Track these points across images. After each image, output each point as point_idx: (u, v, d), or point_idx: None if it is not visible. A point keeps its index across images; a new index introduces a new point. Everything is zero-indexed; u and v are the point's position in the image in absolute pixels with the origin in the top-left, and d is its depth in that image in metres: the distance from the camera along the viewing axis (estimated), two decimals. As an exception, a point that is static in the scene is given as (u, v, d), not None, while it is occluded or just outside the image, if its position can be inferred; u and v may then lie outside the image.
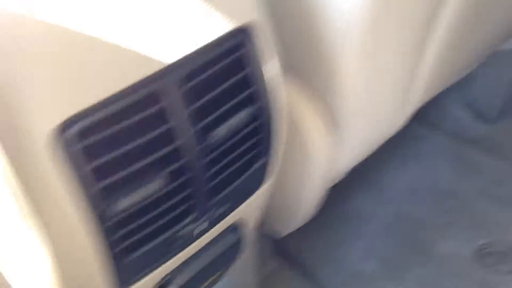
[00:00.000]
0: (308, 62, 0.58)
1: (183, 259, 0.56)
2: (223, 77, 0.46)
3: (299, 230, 1.08)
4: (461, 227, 1.07)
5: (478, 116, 1.29)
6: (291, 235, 1.06)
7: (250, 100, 0.50)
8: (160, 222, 0.48)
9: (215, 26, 0.45)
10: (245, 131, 0.50)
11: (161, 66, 0.42)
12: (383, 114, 0.67)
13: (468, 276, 0.99)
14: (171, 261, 0.54)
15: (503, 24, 0.77)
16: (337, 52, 0.54)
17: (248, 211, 0.59)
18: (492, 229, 1.06)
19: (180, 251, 0.53)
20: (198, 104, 0.45)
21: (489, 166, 1.18)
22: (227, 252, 0.60)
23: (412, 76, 0.64)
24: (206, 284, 0.62)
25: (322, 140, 0.62)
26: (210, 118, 0.46)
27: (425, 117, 1.29)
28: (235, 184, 0.53)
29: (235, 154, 0.51)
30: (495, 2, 0.68)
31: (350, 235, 1.08)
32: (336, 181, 0.76)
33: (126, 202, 0.44)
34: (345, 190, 1.15)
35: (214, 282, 0.64)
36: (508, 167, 1.17)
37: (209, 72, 0.45)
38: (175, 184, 0.46)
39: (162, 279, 0.55)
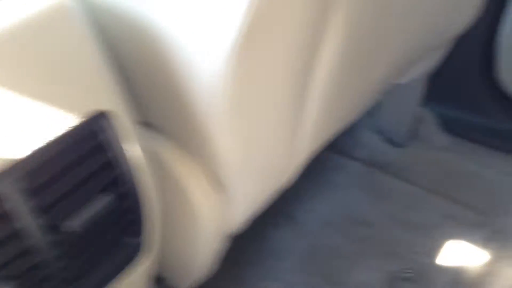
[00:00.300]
0: (182, 127, 0.59)
1: None
2: (80, 164, 0.46)
3: (216, 271, 1.08)
4: (374, 255, 1.10)
5: (387, 142, 1.33)
6: (205, 280, 1.06)
7: (110, 185, 0.49)
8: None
9: (60, 120, 0.45)
10: (102, 217, 0.50)
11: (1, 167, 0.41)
12: (269, 169, 0.68)
13: (381, 304, 1.02)
14: None
15: (388, 71, 0.81)
16: (206, 115, 0.54)
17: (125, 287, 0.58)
18: (403, 255, 1.10)
19: None
20: (46, 200, 0.44)
21: (400, 191, 1.22)
22: None
23: (294, 129, 0.66)
24: None
25: (209, 201, 0.63)
26: (61, 209, 0.45)
27: (337, 145, 1.33)
28: (100, 267, 0.52)
29: (96, 239, 0.50)
30: (374, 53, 0.71)
31: (267, 272, 1.09)
32: (236, 232, 0.76)
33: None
34: (260, 227, 1.16)
35: None
36: (417, 191, 1.22)
37: (59, 165, 0.44)
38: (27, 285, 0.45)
39: None
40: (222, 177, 0.63)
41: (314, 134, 0.70)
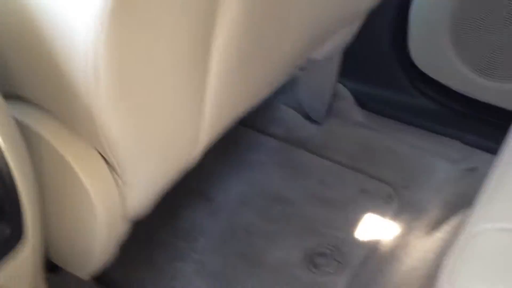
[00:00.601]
0: (62, 103, 0.53)
1: None
2: None
3: (124, 252, 1.03)
4: (290, 233, 1.09)
5: (304, 118, 1.32)
6: (113, 262, 1.01)
7: None
8: None
9: None
10: None
11: None
12: (169, 150, 0.63)
13: (299, 281, 1.01)
14: None
15: (298, 45, 0.78)
16: (86, 90, 0.49)
17: (8, 280, 0.52)
18: (321, 231, 1.09)
19: None
20: None
21: (316, 168, 1.22)
22: None
23: (195, 107, 0.62)
24: None
25: (103, 184, 0.58)
26: None
27: (252, 122, 1.30)
28: None
29: None
30: (279, 25, 0.67)
31: (180, 253, 1.05)
32: (137, 216, 0.72)
33: None
34: (172, 206, 1.12)
35: None
36: (333, 167, 1.22)
37: None
38: None
39: None
40: (114, 159, 0.58)
41: (218, 112, 0.66)
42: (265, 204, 1.14)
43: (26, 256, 0.52)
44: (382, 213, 1.12)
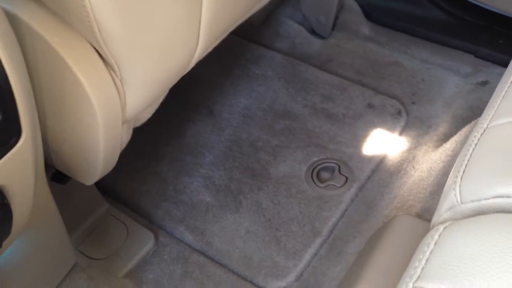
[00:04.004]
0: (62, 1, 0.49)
1: None
2: None
3: (131, 166, 1.02)
4: (296, 147, 1.07)
5: (309, 32, 1.27)
6: (122, 173, 1.00)
7: None
8: None
9: None
10: None
11: None
12: (165, 50, 0.60)
13: (303, 195, 1.00)
14: None
15: None
16: None
17: (8, 176, 0.50)
18: (325, 145, 1.07)
19: None
20: None
21: (322, 82, 1.18)
22: None
23: (189, 8, 0.58)
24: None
25: (99, 81, 0.55)
26: None
27: (257, 36, 1.25)
28: None
29: None
30: None
31: (186, 167, 1.03)
32: (138, 122, 0.69)
33: None
34: (178, 121, 1.09)
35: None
36: (339, 82, 1.18)
37: None
38: None
39: None
40: (110, 54, 0.54)
41: (215, 14, 0.61)
42: (270, 119, 1.11)
43: (23, 152, 0.49)
44: (390, 128, 1.10)
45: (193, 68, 0.70)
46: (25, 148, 0.49)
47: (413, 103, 1.14)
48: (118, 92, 0.57)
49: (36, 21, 0.53)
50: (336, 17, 1.26)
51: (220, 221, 0.96)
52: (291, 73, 1.20)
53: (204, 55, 0.67)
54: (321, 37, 1.28)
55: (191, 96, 1.14)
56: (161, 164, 1.04)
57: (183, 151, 1.05)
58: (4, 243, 0.56)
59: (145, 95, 0.62)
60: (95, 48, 0.54)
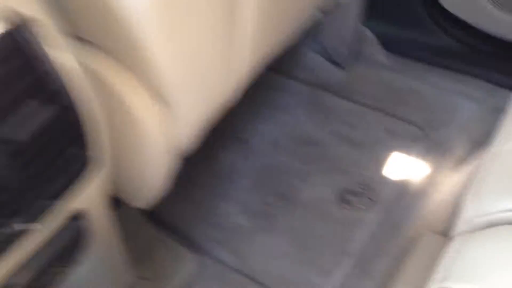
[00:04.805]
0: (117, 42, 0.57)
1: (24, 258, 0.54)
2: (12, 79, 0.44)
3: (173, 194, 1.09)
4: (322, 172, 1.14)
5: (330, 62, 1.35)
6: (165, 200, 1.07)
7: (50, 97, 0.48)
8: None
9: None
10: (48, 127, 0.49)
11: None
12: (209, 84, 0.68)
13: (331, 217, 1.07)
14: (12, 260, 0.52)
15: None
16: (138, 28, 0.53)
17: (83, 201, 0.58)
18: (350, 171, 1.15)
19: (15, 251, 0.52)
20: None
21: (344, 111, 1.26)
22: (70, 244, 0.60)
23: (229, 43, 0.66)
24: (58, 274, 0.62)
25: (153, 117, 0.63)
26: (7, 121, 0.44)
27: (281, 67, 1.34)
28: (52, 179, 0.52)
29: (43, 149, 0.50)
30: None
31: (222, 193, 1.11)
32: (188, 151, 0.77)
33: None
34: (212, 150, 1.17)
35: (66, 272, 0.64)
36: (360, 110, 1.26)
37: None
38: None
39: (7, 280, 0.54)
40: (164, 92, 0.63)
41: (252, 49, 0.70)
42: (295, 146, 1.19)
43: (98, 183, 0.57)
44: (409, 152, 1.17)
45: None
46: (97, 175, 0.58)
47: (430, 127, 1.21)
48: (170, 125, 0.65)
49: (102, 69, 0.61)
50: (355, 48, 1.34)
51: (256, 243, 1.03)
52: (313, 101, 1.28)
53: (245, 89, 0.75)
54: (341, 67, 1.36)
55: (221, 125, 1.22)
56: (199, 191, 1.11)
57: (218, 178, 1.13)
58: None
59: (193, 127, 0.70)
60: (151, 90, 0.62)
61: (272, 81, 1.31)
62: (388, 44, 1.34)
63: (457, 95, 1.26)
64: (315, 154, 1.18)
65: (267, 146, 1.19)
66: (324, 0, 0.97)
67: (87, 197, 0.58)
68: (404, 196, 1.09)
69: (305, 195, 1.11)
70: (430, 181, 1.11)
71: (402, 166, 1.15)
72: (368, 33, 1.34)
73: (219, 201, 1.09)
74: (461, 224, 0.61)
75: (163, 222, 1.07)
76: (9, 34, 0.43)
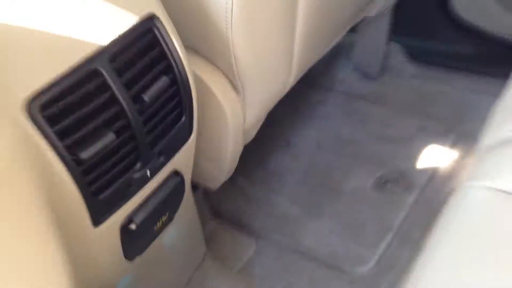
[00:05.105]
0: (207, 43, 0.76)
1: (139, 201, 0.72)
2: (144, 54, 0.64)
3: (230, 191, 1.26)
4: (361, 166, 1.29)
5: (363, 76, 1.52)
6: (224, 197, 1.24)
7: (166, 71, 0.67)
8: (116, 169, 0.64)
9: (128, 17, 0.62)
10: (166, 95, 0.67)
11: (97, 49, 0.58)
12: (272, 77, 0.86)
13: (371, 200, 1.21)
14: (130, 202, 0.69)
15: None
16: (226, 33, 0.72)
17: (181, 162, 0.75)
18: (386, 163, 1.29)
19: (136, 193, 0.69)
20: (129, 74, 0.61)
21: (378, 114, 1.42)
22: (172, 194, 0.77)
23: (288, 43, 0.84)
24: (159, 223, 0.78)
25: (230, 101, 0.81)
26: (139, 85, 0.63)
27: (319, 84, 1.51)
28: (166, 138, 0.70)
29: (162, 113, 0.68)
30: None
31: (274, 188, 1.27)
32: (248, 138, 0.94)
33: (88, 153, 0.59)
34: (262, 152, 1.34)
35: (165, 223, 0.81)
36: (393, 113, 1.41)
37: (133, 50, 0.62)
38: (121, 139, 0.62)
39: (125, 218, 0.71)
40: (238, 83, 0.81)
41: (304, 49, 0.88)
42: (337, 146, 1.35)
43: (191, 146, 0.75)
44: (440, 144, 1.31)
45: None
46: (192, 143, 0.75)
47: (458, 122, 1.35)
48: (242, 109, 0.83)
49: (194, 66, 0.80)
50: (384, 61, 1.51)
51: (307, 226, 1.18)
52: (349, 109, 1.44)
53: (297, 79, 0.93)
54: (373, 78, 1.52)
55: (270, 132, 1.40)
56: (252, 186, 1.28)
57: (269, 174, 1.30)
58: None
59: (257, 111, 0.87)
60: (228, 78, 0.81)
61: (312, 95, 1.48)
62: (413, 54, 1.50)
63: (480, 94, 1.40)
64: (354, 151, 1.33)
65: (311, 147, 1.35)
66: (356, 18, 1.15)
67: (183, 158, 0.76)
68: (436, 179, 1.22)
69: (347, 184, 1.26)
70: (459, 167, 1.24)
71: (434, 156, 1.29)
72: (395, 46, 1.51)
73: (270, 194, 1.26)
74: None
75: (222, 212, 1.23)
76: (149, 29, 0.63)
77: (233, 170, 0.94)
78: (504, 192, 0.66)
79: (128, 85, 0.61)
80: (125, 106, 0.60)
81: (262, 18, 0.77)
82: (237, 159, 0.93)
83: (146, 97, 0.64)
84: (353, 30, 1.38)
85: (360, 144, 1.35)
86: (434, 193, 1.20)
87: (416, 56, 1.50)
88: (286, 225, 1.20)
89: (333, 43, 1.06)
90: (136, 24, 0.62)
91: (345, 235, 1.16)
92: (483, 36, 1.40)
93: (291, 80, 0.90)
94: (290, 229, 1.19)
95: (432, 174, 1.25)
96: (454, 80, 1.44)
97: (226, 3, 0.70)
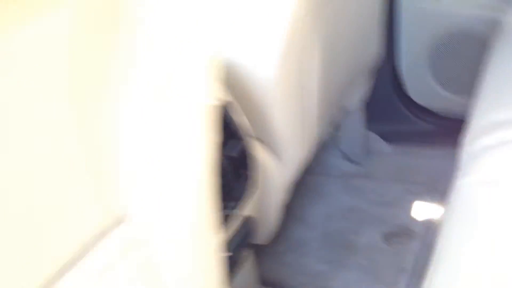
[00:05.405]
0: (255, 123, 1.07)
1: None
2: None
3: (263, 259, 1.48)
4: (368, 227, 1.55)
5: (349, 160, 1.84)
6: (267, 265, 1.46)
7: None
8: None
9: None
10: (242, 158, 0.96)
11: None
12: (299, 144, 1.16)
13: (384, 252, 1.46)
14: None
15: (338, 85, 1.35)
16: (267, 110, 1.03)
17: (253, 209, 1.01)
18: (387, 221, 1.56)
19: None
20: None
21: (370, 186, 1.71)
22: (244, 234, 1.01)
23: (308, 115, 1.16)
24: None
25: (273, 167, 1.09)
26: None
27: (317, 171, 1.81)
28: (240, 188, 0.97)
29: (239, 169, 0.96)
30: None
31: (300, 253, 1.50)
32: (287, 195, 1.21)
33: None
34: (284, 227, 1.59)
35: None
36: (382, 183, 1.71)
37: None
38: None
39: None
40: (280, 150, 1.10)
41: (318, 127, 1.19)
42: (343, 214, 1.61)
43: (255, 202, 1.02)
44: (426, 201, 1.60)
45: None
46: (255, 199, 1.02)
47: (436, 183, 1.65)
48: (281, 169, 1.11)
49: None
50: (364, 146, 1.84)
51: (336, 277, 1.41)
52: (347, 185, 1.73)
53: (315, 148, 1.22)
54: (357, 162, 1.83)
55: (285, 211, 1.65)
56: (283, 253, 1.50)
57: (294, 243, 1.53)
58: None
59: (293, 171, 1.15)
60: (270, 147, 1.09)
61: (313, 180, 1.77)
62: (386, 137, 1.84)
63: (443, 159, 1.71)
64: (359, 216, 1.60)
65: (321, 218, 1.61)
66: (338, 113, 1.50)
67: (255, 205, 1.02)
68: (431, 227, 1.50)
69: (360, 242, 1.51)
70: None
71: (424, 210, 1.57)
72: (371, 133, 1.85)
73: (298, 258, 1.48)
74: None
75: (267, 280, 1.44)
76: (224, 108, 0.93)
77: (278, 224, 1.19)
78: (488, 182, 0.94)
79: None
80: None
81: (293, 102, 1.08)
82: (281, 215, 1.18)
83: (232, 153, 0.91)
84: (336, 126, 1.72)
85: (362, 210, 1.62)
86: (434, 237, 1.46)
87: (389, 137, 1.84)
88: (318, 279, 1.41)
89: (332, 119, 1.38)
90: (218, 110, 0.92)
91: (369, 279, 1.38)
92: (436, 115, 1.77)
93: (313, 147, 1.20)
94: (322, 281, 1.41)
95: (427, 224, 1.52)
96: (423, 151, 1.78)
97: (272, 91, 1.01)
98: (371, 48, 1.54)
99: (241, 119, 0.97)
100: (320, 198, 1.70)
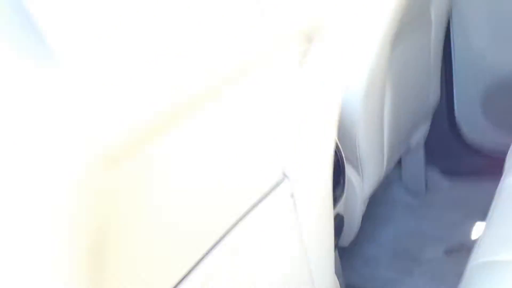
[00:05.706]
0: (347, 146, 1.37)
1: None
2: None
3: (346, 271, 1.74)
4: (430, 244, 1.80)
5: (412, 194, 2.10)
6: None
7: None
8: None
9: None
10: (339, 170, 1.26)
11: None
12: (376, 163, 1.45)
13: (446, 263, 1.70)
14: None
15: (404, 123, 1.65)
16: (353, 131, 1.34)
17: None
18: (448, 239, 1.80)
19: None
20: None
21: (430, 213, 1.96)
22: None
23: (382, 136, 1.46)
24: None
25: (356, 181, 1.39)
26: None
27: (383, 199, 2.08)
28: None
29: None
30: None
31: (371, 265, 1.76)
32: (365, 206, 1.49)
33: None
34: (353, 244, 1.85)
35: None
36: (441, 211, 1.96)
37: None
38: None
39: None
40: (361, 165, 1.40)
41: (389, 142, 1.49)
42: (407, 235, 1.87)
43: (342, 205, 1.31)
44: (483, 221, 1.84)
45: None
46: (344, 200, 1.32)
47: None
48: (362, 183, 1.40)
49: None
50: (425, 181, 2.10)
51: (404, 282, 1.65)
52: (409, 211, 1.99)
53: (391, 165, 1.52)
54: (419, 195, 2.10)
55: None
56: (358, 265, 1.76)
57: (364, 260, 1.79)
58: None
59: (371, 185, 1.44)
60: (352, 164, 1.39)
61: (380, 209, 2.04)
62: (445, 172, 2.11)
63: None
64: (421, 237, 1.85)
65: (389, 238, 1.87)
66: (402, 150, 1.80)
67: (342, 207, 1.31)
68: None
69: (424, 256, 1.75)
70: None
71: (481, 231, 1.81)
72: (431, 168, 2.12)
73: (372, 270, 1.74)
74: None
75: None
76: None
77: (357, 229, 1.47)
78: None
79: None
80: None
81: (373, 131, 1.39)
82: (361, 220, 1.47)
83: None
84: (399, 162, 2.00)
85: (425, 232, 1.87)
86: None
87: (447, 172, 2.10)
88: (389, 284, 1.67)
89: (398, 153, 1.68)
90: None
91: (434, 285, 1.63)
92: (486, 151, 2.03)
93: (386, 168, 1.49)
94: (392, 286, 1.66)
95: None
96: (478, 184, 2.02)
97: (355, 116, 1.33)
98: (432, 92, 1.85)
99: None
100: (388, 222, 1.97)
